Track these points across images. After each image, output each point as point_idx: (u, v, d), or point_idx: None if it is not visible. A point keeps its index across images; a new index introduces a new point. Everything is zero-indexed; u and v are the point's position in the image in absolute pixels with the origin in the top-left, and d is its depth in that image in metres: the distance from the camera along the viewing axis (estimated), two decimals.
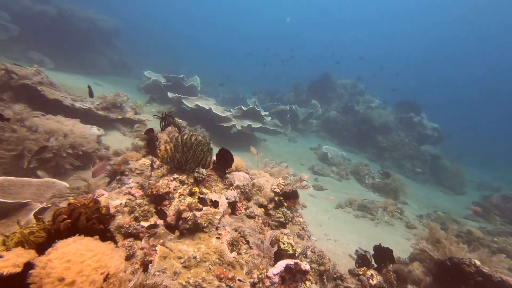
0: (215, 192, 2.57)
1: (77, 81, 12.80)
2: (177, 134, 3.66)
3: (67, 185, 3.58)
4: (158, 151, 3.21)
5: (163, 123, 3.65)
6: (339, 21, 59.65)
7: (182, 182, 2.56)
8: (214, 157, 2.84)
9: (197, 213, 2.26)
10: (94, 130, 6.07)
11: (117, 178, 2.97)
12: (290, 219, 2.70)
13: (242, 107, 9.66)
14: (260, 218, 2.63)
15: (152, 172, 2.95)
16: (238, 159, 3.41)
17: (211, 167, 2.76)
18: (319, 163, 10.27)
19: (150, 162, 3.14)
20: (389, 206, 6.33)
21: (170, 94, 10.18)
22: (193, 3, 59.18)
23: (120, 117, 7.04)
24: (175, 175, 2.62)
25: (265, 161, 3.58)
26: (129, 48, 24.09)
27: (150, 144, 3.36)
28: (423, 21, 52.31)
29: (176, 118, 8.58)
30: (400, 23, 55.07)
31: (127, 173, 3.00)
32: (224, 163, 2.70)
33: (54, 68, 14.42)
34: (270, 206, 2.77)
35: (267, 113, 10.16)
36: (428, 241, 3.09)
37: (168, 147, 2.93)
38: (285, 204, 2.76)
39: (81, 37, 17.28)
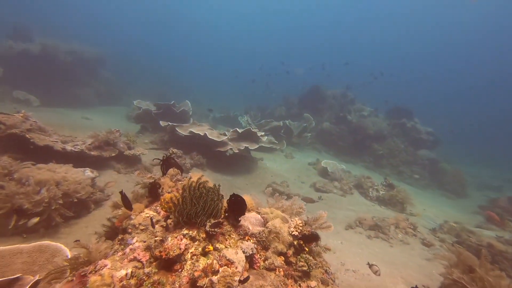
0: (230, 246, 2.34)
1: (65, 117, 12.52)
2: (180, 177, 3.45)
3: (63, 246, 3.27)
4: (162, 200, 2.99)
5: (164, 166, 3.44)
6: (321, 28, 61.56)
7: (193, 239, 2.32)
8: (224, 203, 2.62)
9: (214, 278, 2.02)
10: (88, 173, 5.78)
11: (119, 237, 2.71)
12: (313, 266, 2.48)
13: (238, 129, 9.53)
14: (281, 269, 2.40)
15: (156, 226, 2.71)
16: (247, 198, 3.20)
17: (222, 216, 2.54)
18: (320, 179, 10.09)
19: (155, 214, 2.90)
20: (401, 222, 6.13)
21: (162, 123, 10.00)
22: (172, 23, 60.41)
23: (113, 154, 6.77)
24: (185, 231, 2.39)
25: (276, 196, 3.38)
26: (114, 75, 24.08)
27: (153, 191, 3.13)
28: (409, 24, 54.32)
29: (171, 149, 8.37)
30: (384, 26, 56.80)
31: (130, 230, 2.74)
32: (237, 211, 2.49)
33: (40, 105, 14.13)
34: (290, 252, 2.55)
35: (263, 133, 10.06)
36: (458, 268, 2.89)
37: (173, 197, 2.71)
38: (306, 249, 2.54)
39: (66, 71, 17.17)
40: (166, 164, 3.43)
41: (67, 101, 16.27)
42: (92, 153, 6.40)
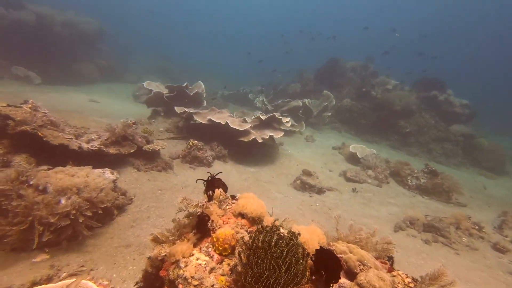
0: None
1: (71, 99, 11.82)
2: (229, 201, 2.79)
3: (95, 286, 2.76)
4: (215, 239, 2.36)
5: (208, 189, 2.75)
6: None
7: None
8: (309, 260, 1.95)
9: None
10: (108, 174, 5.21)
11: None
12: None
13: (261, 116, 8.68)
14: None
15: (211, 277, 2.12)
16: (318, 232, 2.52)
17: (306, 279, 1.88)
18: (350, 166, 9.35)
19: (208, 260, 2.29)
20: (462, 222, 5.42)
21: (178, 109, 9.21)
22: None
23: (132, 151, 6.13)
24: None
25: (350, 225, 2.70)
26: (113, 48, 22.66)
27: (201, 226, 2.48)
28: None
29: (191, 140, 7.66)
30: None
31: (180, 286, 2.14)
32: (329, 274, 1.82)
33: (41, 82, 13.34)
34: None
35: (288, 118, 9.18)
36: None
37: (240, 251, 2.07)
38: None
39: (64, 44, 15.94)
40: (211, 185, 2.75)
41: (68, 77, 15.35)
42: (110, 150, 5.78)
